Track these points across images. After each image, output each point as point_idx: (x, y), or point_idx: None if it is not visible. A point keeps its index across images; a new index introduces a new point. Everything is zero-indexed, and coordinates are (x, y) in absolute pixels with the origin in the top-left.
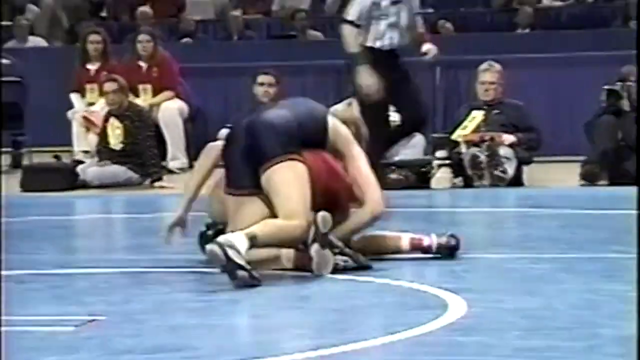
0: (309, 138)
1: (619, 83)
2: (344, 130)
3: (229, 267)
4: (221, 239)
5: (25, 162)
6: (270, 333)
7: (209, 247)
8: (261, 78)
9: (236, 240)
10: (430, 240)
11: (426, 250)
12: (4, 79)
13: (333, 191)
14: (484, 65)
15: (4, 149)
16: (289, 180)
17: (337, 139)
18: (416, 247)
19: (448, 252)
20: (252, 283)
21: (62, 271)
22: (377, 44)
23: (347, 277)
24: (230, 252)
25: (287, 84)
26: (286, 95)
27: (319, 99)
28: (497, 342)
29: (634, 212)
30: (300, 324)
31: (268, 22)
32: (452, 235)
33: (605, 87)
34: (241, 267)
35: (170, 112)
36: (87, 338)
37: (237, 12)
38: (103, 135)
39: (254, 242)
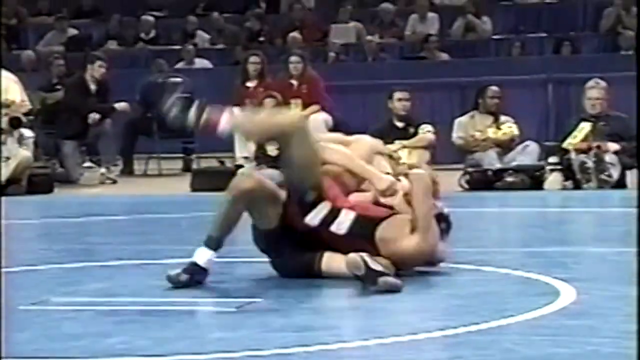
0: None
1: None
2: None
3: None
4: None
5: (194, 166)
6: (402, 315)
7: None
8: (399, 94)
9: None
10: None
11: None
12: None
13: None
14: (590, 83)
15: (177, 155)
16: None
17: None
18: None
19: None
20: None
21: (224, 259)
22: None
23: (470, 267)
24: (369, 261)
25: (417, 99)
26: (416, 108)
27: (446, 112)
28: (603, 326)
29: None
30: (428, 307)
31: (401, 45)
32: None
33: None
34: (382, 274)
35: (317, 122)
36: (246, 317)
37: (373, 37)
38: (261, 143)
39: None
